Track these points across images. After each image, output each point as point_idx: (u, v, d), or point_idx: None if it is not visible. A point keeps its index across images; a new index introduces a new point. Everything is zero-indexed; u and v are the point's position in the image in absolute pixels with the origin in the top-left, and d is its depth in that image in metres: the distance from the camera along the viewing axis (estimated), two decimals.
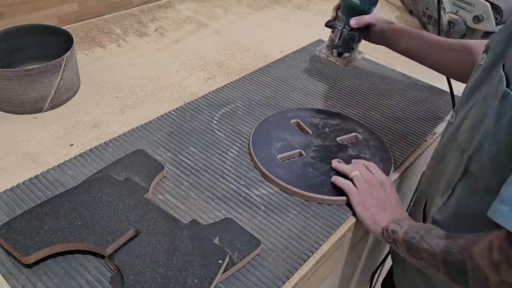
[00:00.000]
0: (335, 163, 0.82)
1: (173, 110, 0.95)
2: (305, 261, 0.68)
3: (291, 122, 0.92)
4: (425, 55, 0.94)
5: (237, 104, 0.99)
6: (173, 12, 1.39)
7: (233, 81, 1.07)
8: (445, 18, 1.36)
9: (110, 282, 0.61)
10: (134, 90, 1.02)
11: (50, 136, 0.86)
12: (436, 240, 0.62)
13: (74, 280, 0.61)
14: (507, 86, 0.57)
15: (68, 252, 0.64)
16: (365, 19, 0.95)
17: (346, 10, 0.95)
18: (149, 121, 0.91)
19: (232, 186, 0.78)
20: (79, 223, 0.65)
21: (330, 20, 1.00)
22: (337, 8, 0.99)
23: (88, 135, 0.87)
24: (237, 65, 1.15)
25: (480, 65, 0.67)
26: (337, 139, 0.89)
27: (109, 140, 0.85)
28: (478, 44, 0.86)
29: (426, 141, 0.95)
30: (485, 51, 0.67)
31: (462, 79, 0.89)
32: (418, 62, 0.97)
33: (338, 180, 0.78)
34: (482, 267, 0.54)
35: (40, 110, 0.92)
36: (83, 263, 0.63)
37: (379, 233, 0.71)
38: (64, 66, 0.91)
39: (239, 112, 0.97)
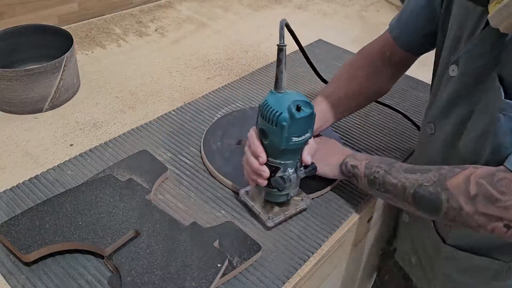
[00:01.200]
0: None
1: (173, 110, 0.95)
2: (305, 261, 0.68)
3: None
4: (339, 118, 0.84)
5: (237, 104, 0.99)
6: (173, 12, 1.39)
7: (233, 81, 1.07)
8: None
9: (108, 283, 0.60)
10: (134, 90, 1.02)
11: (50, 136, 0.86)
12: (404, 174, 0.64)
13: (74, 280, 0.61)
14: (506, 95, 0.58)
15: (68, 251, 0.64)
16: (314, 143, 0.73)
17: (295, 152, 0.68)
18: (149, 121, 0.91)
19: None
20: (80, 223, 0.65)
21: (278, 180, 0.68)
22: (264, 162, 0.68)
23: (88, 135, 0.87)
24: (237, 65, 1.15)
25: (452, 77, 0.67)
26: None
27: (109, 140, 0.85)
28: (379, 54, 0.83)
29: None
30: (454, 63, 0.66)
31: (382, 95, 0.88)
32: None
33: None
34: (458, 197, 0.58)
35: (40, 110, 0.92)
36: (83, 263, 0.63)
37: (338, 172, 0.74)
38: (64, 66, 0.91)
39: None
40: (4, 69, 0.86)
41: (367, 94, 0.85)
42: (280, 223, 0.72)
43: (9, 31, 0.96)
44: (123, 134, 0.87)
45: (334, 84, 0.85)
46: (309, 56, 0.83)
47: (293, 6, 1.52)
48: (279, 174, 0.68)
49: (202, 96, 1.00)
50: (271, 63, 1.16)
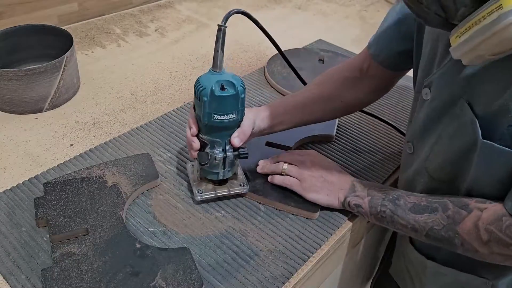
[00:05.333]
0: (260, 167, 0.79)
1: (173, 110, 0.95)
2: (305, 261, 0.68)
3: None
4: (311, 119, 0.84)
5: None
6: (173, 12, 1.39)
7: None
8: None
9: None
10: (134, 90, 1.02)
11: (50, 136, 0.86)
12: (411, 215, 0.64)
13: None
14: (482, 131, 0.57)
15: None
16: (247, 130, 0.72)
17: (219, 130, 0.69)
18: (149, 121, 0.91)
19: None
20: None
21: (202, 154, 0.70)
22: (196, 134, 0.71)
23: (88, 135, 0.87)
24: (237, 65, 1.15)
25: (425, 100, 0.66)
26: None
27: (109, 140, 0.85)
28: (359, 67, 0.83)
29: None
30: (427, 86, 0.65)
31: (362, 104, 0.87)
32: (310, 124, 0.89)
33: (275, 179, 0.76)
34: (472, 243, 0.59)
35: (40, 110, 0.92)
36: None
37: (340, 207, 0.74)
38: (64, 66, 0.91)
39: None
40: (4, 69, 0.86)
41: (340, 100, 0.83)
42: (209, 200, 0.75)
43: (9, 31, 0.96)
44: (123, 134, 0.87)
45: (305, 88, 0.85)
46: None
47: (293, 6, 1.52)
48: (207, 150, 0.71)
49: None
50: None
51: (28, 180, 0.75)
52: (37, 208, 0.68)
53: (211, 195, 0.74)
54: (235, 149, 0.71)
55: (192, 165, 0.78)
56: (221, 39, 0.65)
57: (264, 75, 1.10)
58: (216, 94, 0.65)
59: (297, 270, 0.66)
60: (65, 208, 0.69)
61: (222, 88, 0.65)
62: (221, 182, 0.75)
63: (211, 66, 0.68)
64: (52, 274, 0.60)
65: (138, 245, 0.65)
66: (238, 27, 1.34)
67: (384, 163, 0.88)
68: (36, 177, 0.76)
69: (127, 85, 1.03)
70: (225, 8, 1.44)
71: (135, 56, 1.14)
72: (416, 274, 0.80)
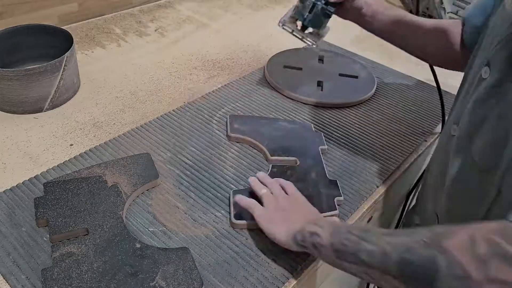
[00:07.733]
0: (252, 179, 0.75)
1: (173, 110, 0.95)
2: (305, 261, 0.68)
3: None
4: (398, 37, 0.86)
5: (237, 104, 0.99)
6: (173, 12, 1.39)
7: (233, 81, 1.07)
8: (445, 18, 1.36)
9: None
10: (134, 90, 1.02)
11: (50, 136, 0.86)
12: (385, 238, 0.51)
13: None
14: None
15: None
16: None
17: None
18: (149, 121, 0.91)
19: (232, 186, 0.78)
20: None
21: None
22: None
23: (88, 135, 0.87)
24: (237, 65, 1.15)
25: (484, 78, 0.63)
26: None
27: (109, 140, 0.85)
28: (452, 26, 0.83)
29: (426, 141, 0.95)
30: (487, 64, 0.62)
31: (434, 61, 0.88)
32: (391, 43, 0.91)
33: (242, 201, 0.71)
34: (462, 261, 0.44)
35: (40, 110, 0.92)
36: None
37: (292, 240, 0.63)
38: (64, 66, 0.91)
39: (239, 112, 0.97)
40: (4, 69, 0.86)
41: (427, 39, 0.83)
42: (287, 31, 0.93)
43: (9, 31, 0.96)
44: (123, 134, 0.87)
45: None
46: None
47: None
48: None
49: (202, 96, 1.00)
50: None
51: (28, 180, 0.75)
52: (37, 208, 0.68)
53: (289, 29, 0.91)
54: (326, 3, 0.85)
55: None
56: None
57: (264, 75, 1.10)
58: None
59: (297, 270, 0.66)
60: (65, 208, 0.69)
61: None
62: (303, 28, 0.90)
63: None
64: (52, 274, 0.60)
65: (138, 245, 0.65)
66: (238, 27, 1.34)
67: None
68: (36, 177, 0.76)
69: (127, 85, 1.03)
70: (225, 8, 1.44)
71: (135, 56, 1.14)
72: None
